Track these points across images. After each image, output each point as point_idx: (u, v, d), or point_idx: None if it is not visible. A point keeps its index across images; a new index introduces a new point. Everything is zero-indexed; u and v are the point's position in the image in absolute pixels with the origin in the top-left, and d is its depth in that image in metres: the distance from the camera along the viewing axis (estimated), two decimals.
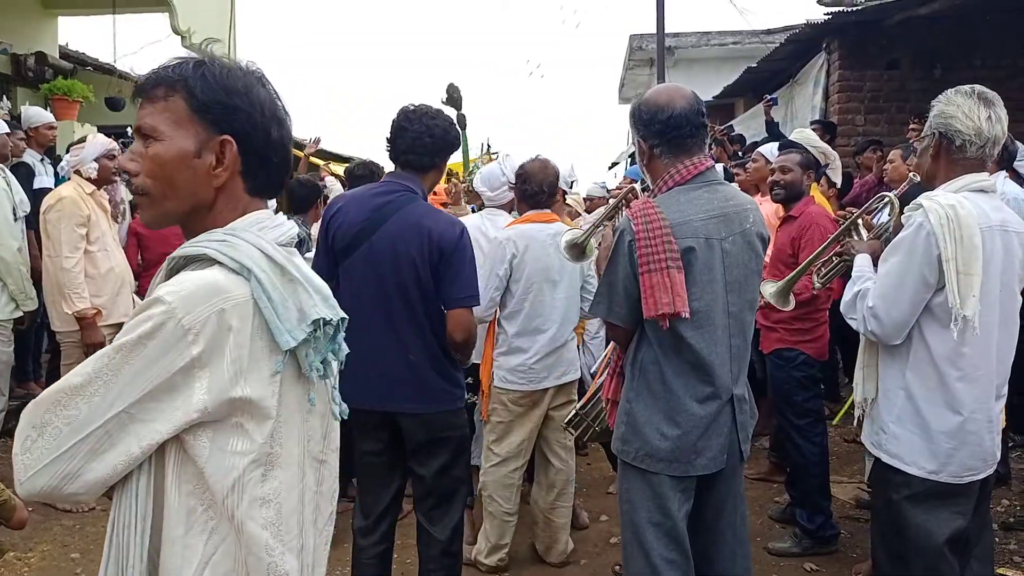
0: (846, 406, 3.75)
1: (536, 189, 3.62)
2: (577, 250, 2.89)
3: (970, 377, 2.31)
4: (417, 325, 2.65)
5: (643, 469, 2.26)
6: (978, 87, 2.35)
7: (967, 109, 2.30)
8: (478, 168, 5.59)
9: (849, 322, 2.54)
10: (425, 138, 2.71)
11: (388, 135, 2.79)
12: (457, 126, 2.88)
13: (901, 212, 2.51)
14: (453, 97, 6.88)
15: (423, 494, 2.82)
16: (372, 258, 2.64)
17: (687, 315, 2.12)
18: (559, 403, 3.63)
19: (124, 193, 5.42)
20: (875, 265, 2.56)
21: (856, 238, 2.84)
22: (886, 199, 2.82)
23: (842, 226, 2.94)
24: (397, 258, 2.62)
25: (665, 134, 2.23)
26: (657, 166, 2.30)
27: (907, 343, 2.35)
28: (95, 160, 4.54)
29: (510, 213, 4.01)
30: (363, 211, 2.68)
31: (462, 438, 2.82)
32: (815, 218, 3.81)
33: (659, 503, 2.26)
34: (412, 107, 2.78)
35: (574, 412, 3.09)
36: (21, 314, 4.60)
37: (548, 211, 3.67)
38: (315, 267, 2.80)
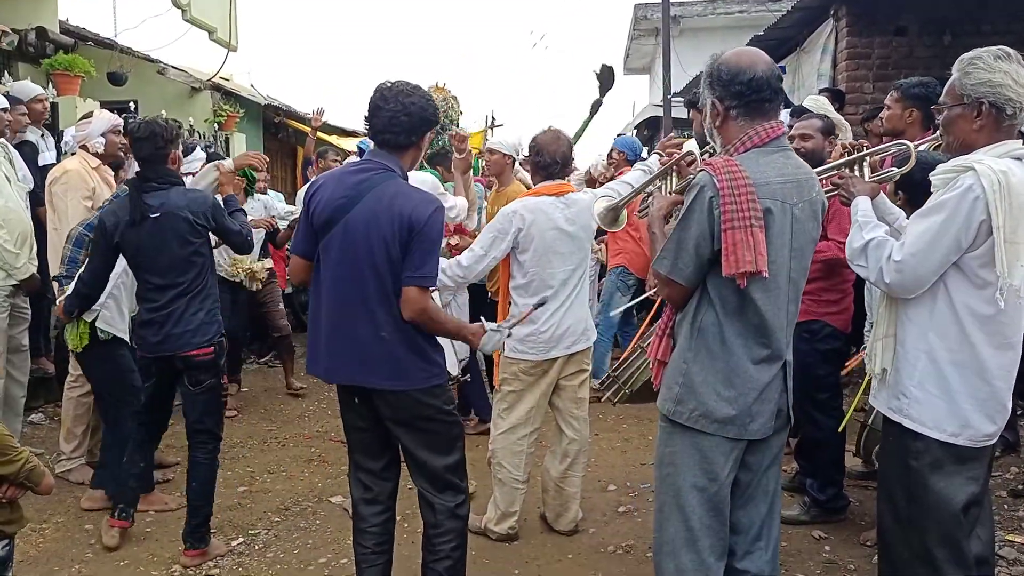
0: (849, 413, 3.72)
1: (550, 160, 3.62)
2: (612, 215, 2.87)
3: (998, 343, 2.27)
4: (389, 303, 2.65)
5: (695, 431, 2.26)
6: (1004, 48, 2.29)
7: (1015, 75, 2.23)
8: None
9: (856, 269, 2.51)
10: (401, 117, 2.67)
11: (365, 113, 2.75)
12: (433, 102, 2.79)
13: (919, 172, 2.43)
14: (605, 77, 6.52)
15: (416, 468, 2.82)
16: (348, 236, 2.64)
17: (767, 275, 2.11)
18: (570, 372, 3.64)
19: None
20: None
21: (858, 174, 2.78)
22: (906, 148, 2.76)
23: (849, 156, 2.86)
24: (370, 236, 2.61)
25: (745, 95, 2.21)
26: (731, 128, 2.27)
27: (929, 303, 2.31)
28: (102, 135, 4.53)
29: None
30: (341, 188, 2.67)
31: (444, 412, 2.77)
32: None
33: (706, 468, 2.26)
34: (388, 84, 2.74)
35: (606, 375, 3.08)
36: (16, 282, 4.51)
37: (562, 181, 3.66)
38: (295, 244, 2.79)
